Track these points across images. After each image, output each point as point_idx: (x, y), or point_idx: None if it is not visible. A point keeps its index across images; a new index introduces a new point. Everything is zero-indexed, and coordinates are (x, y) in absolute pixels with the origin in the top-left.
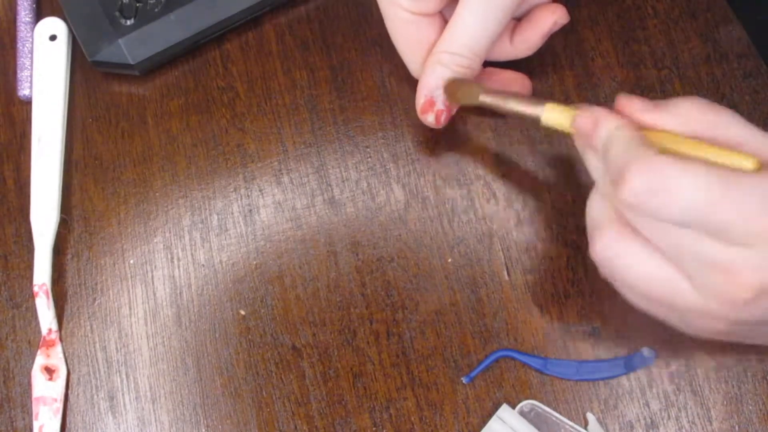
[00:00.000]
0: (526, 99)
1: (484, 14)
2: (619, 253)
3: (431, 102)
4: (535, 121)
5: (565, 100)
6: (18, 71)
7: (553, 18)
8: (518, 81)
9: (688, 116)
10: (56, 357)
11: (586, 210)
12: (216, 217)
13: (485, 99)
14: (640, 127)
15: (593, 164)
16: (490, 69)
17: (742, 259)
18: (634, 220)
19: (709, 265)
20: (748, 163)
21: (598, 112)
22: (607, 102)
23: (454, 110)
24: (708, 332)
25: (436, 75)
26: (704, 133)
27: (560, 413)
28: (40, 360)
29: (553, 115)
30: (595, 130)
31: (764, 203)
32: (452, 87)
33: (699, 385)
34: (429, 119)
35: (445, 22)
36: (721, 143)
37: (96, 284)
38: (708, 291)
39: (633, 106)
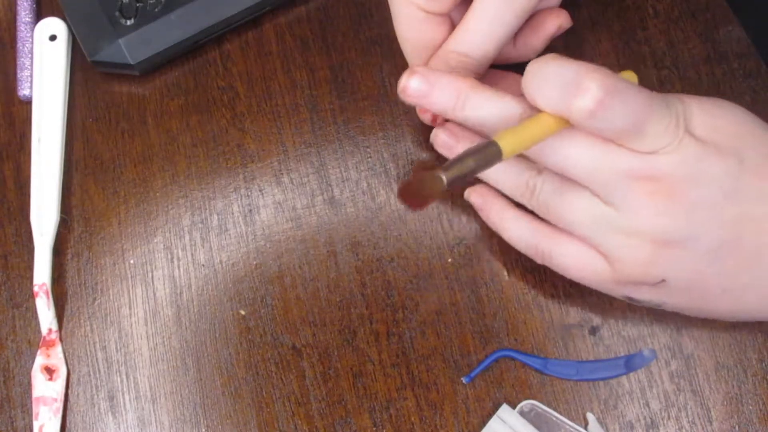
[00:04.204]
0: (476, 149)
1: (497, 18)
2: (554, 244)
3: None
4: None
5: None
6: (18, 71)
7: (557, 22)
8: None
9: None
10: (56, 357)
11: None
12: (216, 217)
13: (447, 176)
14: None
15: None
16: (493, 71)
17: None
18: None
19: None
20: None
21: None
22: None
23: None
24: (636, 265)
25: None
26: None
27: (560, 413)
28: (40, 360)
29: (509, 145)
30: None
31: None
32: (412, 188)
33: (699, 385)
34: (425, 117)
35: (454, 24)
36: None
37: (96, 284)
38: (630, 207)
39: None
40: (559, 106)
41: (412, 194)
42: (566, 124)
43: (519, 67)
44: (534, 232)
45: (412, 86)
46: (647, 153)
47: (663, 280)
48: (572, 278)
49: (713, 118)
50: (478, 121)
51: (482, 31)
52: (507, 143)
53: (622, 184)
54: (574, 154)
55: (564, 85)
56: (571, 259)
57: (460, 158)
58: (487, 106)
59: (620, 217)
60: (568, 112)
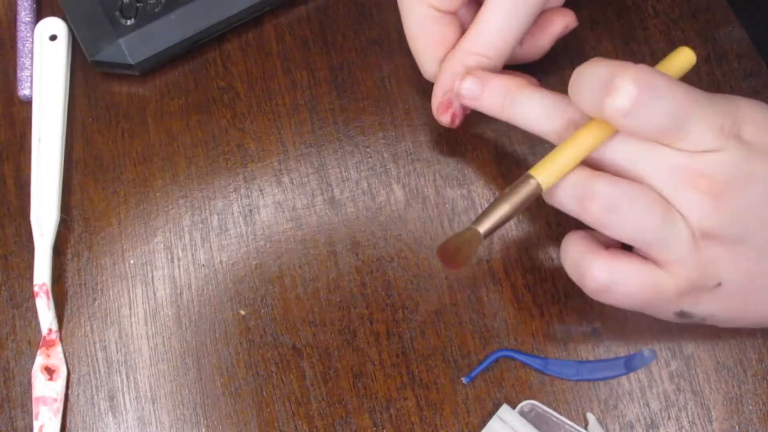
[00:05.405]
0: (510, 189)
1: (512, 15)
2: (614, 271)
3: (448, 103)
4: (538, 196)
5: None
6: (18, 71)
7: (565, 21)
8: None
9: None
10: (56, 357)
11: (563, 256)
12: (216, 217)
13: (483, 230)
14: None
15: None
16: (505, 72)
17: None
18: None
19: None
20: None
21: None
22: None
23: (469, 111)
24: (688, 268)
25: (456, 76)
26: None
27: (560, 413)
28: (40, 360)
29: (546, 175)
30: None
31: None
32: (450, 249)
33: (699, 385)
34: (444, 119)
35: (461, 22)
36: None
37: (96, 284)
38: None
39: None
40: (594, 107)
41: (451, 255)
42: (610, 133)
43: (524, 68)
44: (590, 258)
45: (466, 88)
46: (694, 152)
47: (719, 284)
48: (634, 303)
49: (761, 120)
50: (524, 118)
51: (499, 30)
52: (544, 174)
53: (672, 180)
54: (623, 153)
55: (599, 85)
56: (632, 280)
57: (493, 205)
58: (533, 105)
59: None
60: (602, 113)
